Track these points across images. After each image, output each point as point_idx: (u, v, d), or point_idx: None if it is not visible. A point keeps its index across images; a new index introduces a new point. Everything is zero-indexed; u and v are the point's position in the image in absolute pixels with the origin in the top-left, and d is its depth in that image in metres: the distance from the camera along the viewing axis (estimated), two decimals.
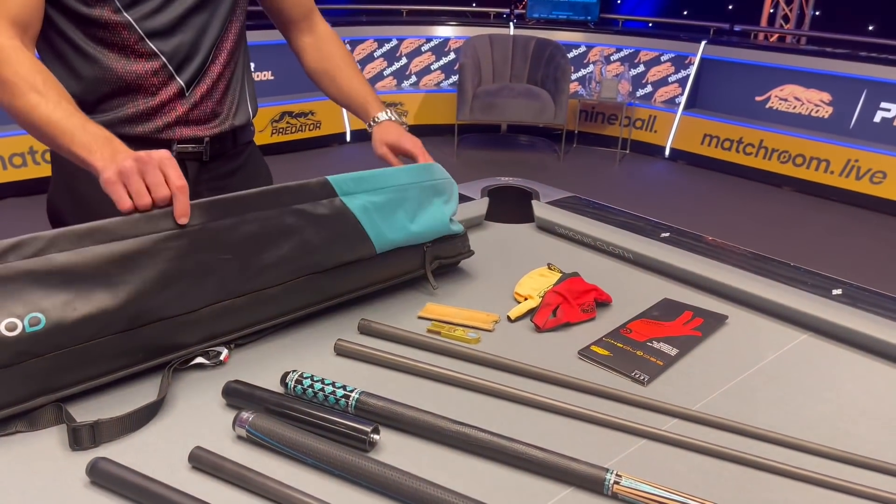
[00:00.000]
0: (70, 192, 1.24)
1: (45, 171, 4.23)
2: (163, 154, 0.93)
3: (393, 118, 1.33)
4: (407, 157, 1.28)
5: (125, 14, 1.12)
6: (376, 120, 1.33)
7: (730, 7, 6.34)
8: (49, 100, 0.99)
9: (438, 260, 1.24)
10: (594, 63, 5.82)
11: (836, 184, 4.93)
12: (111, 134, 0.98)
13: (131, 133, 1.19)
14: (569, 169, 5.46)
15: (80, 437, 0.79)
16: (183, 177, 0.92)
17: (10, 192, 4.17)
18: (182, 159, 1.23)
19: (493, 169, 5.35)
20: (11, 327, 0.82)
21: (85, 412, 0.86)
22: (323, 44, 1.43)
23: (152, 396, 0.89)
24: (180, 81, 1.20)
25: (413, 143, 1.27)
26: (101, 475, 0.74)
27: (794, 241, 4.25)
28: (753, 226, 4.46)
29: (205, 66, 1.22)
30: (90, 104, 1.16)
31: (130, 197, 0.90)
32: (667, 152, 5.73)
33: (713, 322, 1.13)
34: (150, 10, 1.14)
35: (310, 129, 5.46)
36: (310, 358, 1.01)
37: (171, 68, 1.18)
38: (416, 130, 5.18)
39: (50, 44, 1.15)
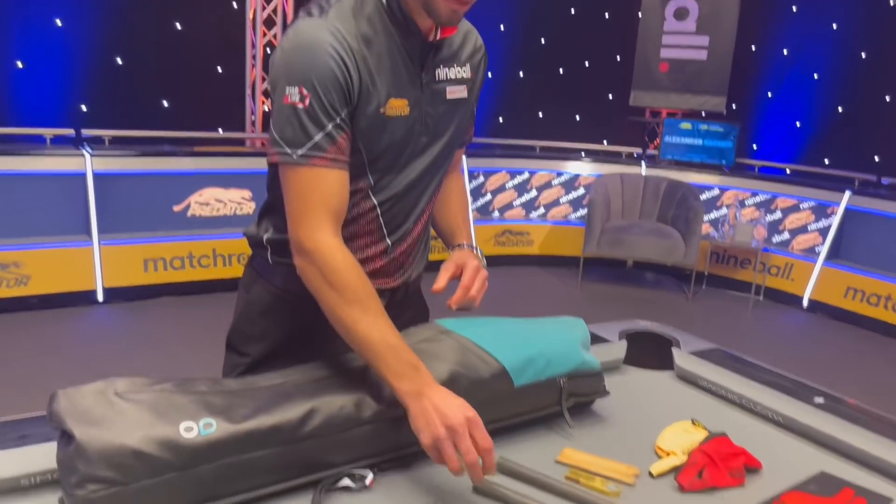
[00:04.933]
0: (253, 324, 1.34)
1: (199, 274, 4.63)
2: (471, 417, 0.97)
3: (475, 250, 1.34)
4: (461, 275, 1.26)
5: (372, 197, 1.22)
6: (458, 246, 1.36)
7: (876, 158, 6.14)
8: (369, 313, 1.07)
9: (574, 397, 1.23)
10: (728, 206, 5.74)
11: None
12: (418, 360, 1.04)
13: None
14: (698, 311, 5.29)
15: None
16: (489, 437, 0.97)
17: (166, 291, 4.56)
18: None
19: (618, 305, 5.27)
20: (189, 430, 0.90)
21: None
22: (445, 182, 1.42)
23: None
24: (388, 242, 1.28)
25: (475, 267, 1.25)
26: None
27: None
28: None
29: (409, 229, 1.30)
30: None
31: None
32: (805, 303, 5.44)
33: None
34: (393, 195, 1.23)
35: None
36: (448, 492, 1.01)
37: (384, 231, 1.27)
38: (541, 261, 5.18)
39: None
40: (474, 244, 1.38)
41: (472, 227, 1.43)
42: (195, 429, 0.90)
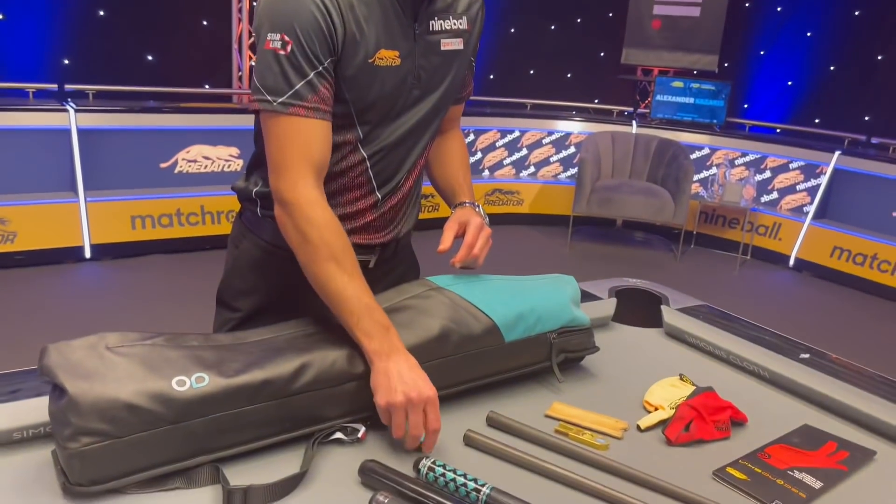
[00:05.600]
0: (243, 279, 1.33)
1: (187, 231, 4.60)
2: (430, 396, 0.98)
3: (476, 208, 1.33)
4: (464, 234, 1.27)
5: (361, 149, 1.21)
6: (461, 204, 1.34)
7: (866, 118, 6.13)
8: (344, 270, 1.06)
9: (564, 353, 1.24)
10: (718, 166, 5.74)
11: None
12: (390, 323, 1.04)
13: None
14: (686, 270, 5.33)
15: (234, 500, 0.84)
16: (439, 419, 0.99)
17: (155, 248, 4.53)
18: None
19: (607, 264, 5.30)
20: (181, 384, 0.90)
21: (234, 475, 0.91)
22: (445, 140, 1.43)
23: (294, 465, 0.93)
24: (378, 195, 1.27)
25: (478, 225, 1.26)
26: None
27: None
28: (887, 349, 4.15)
29: (400, 182, 1.29)
30: None
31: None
32: (791, 262, 5.49)
33: (860, 456, 1.07)
34: (382, 148, 1.22)
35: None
36: (439, 445, 1.03)
37: (374, 184, 1.26)
38: (531, 220, 5.15)
39: None
40: (474, 203, 1.36)
41: (468, 180, 1.42)
42: (187, 382, 0.90)
